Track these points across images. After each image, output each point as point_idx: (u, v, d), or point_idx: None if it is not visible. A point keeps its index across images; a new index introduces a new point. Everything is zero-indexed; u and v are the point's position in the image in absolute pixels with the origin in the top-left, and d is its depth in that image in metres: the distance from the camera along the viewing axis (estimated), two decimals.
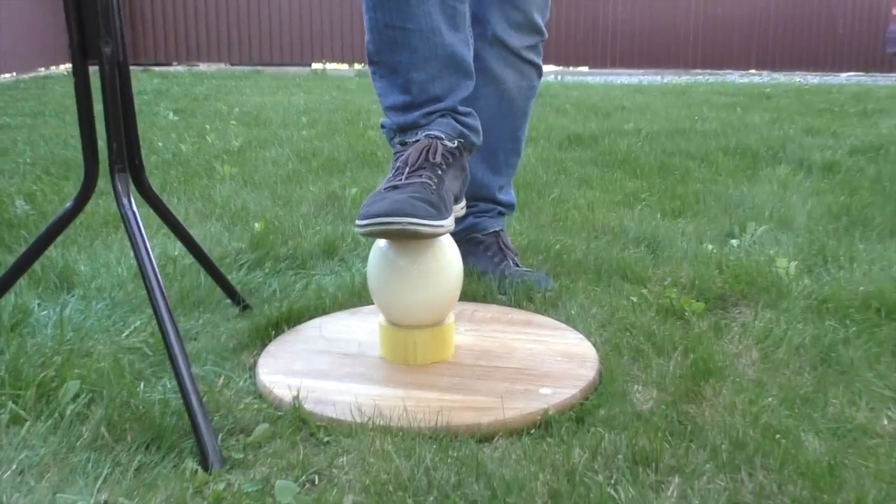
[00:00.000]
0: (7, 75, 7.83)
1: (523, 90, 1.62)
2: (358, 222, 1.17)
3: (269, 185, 2.58)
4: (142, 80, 7.40)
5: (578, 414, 1.15)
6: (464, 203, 1.37)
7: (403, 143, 1.30)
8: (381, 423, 1.09)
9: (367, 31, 1.31)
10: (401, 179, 1.22)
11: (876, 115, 4.65)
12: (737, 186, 2.60)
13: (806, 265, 1.82)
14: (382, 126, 1.36)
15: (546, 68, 6.78)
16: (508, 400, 1.16)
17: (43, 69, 8.31)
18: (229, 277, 1.69)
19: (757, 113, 4.61)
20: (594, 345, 1.38)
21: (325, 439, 1.08)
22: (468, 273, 1.71)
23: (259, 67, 9.24)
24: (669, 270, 1.77)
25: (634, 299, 1.58)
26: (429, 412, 1.12)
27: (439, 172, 1.24)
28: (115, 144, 1.19)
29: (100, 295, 1.60)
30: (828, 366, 1.32)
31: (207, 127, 4.02)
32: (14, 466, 1.02)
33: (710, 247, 1.95)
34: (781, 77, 8.57)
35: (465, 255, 1.72)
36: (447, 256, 1.28)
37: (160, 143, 3.45)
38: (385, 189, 1.21)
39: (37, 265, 1.67)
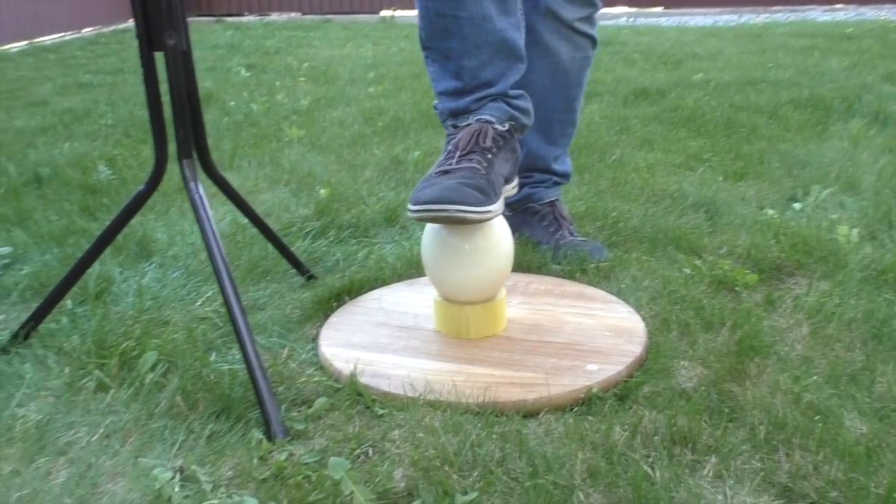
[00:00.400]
0: (89, 29, 8.06)
1: (577, 61, 1.63)
2: (410, 207, 1.22)
3: (334, 149, 2.65)
4: (216, 32, 7.53)
5: (622, 391, 1.19)
6: (515, 183, 1.41)
7: (455, 127, 1.33)
8: (432, 398, 1.16)
9: (420, 19, 1.34)
10: (452, 164, 1.26)
11: None
12: (805, 144, 2.55)
13: (869, 231, 1.80)
14: (435, 107, 1.40)
15: (618, 10, 6.61)
16: (555, 376, 1.21)
17: (122, 24, 8.52)
18: (296, 246, 1.78)
19: (836, 57, 4.44)
20: (643, 319, 1.41)
21: (380, 412, 1.15)
22: (523, 243, 1.75)
23: (329, 16, 9.27)
24: (726, 239, 1.77)
25: (687, 271, 1.60)
26: (477, 388, 1.18)
27: (489, 156, 1.28)
28: (181, 132, 1.27)
29: (175, 264, 1.71)
30: (879, 342, 1.32)
31: (277, 84, 4.10)
32: (101, 430, 1.13)
33: (771, 212, 1.94)
34: (868, 12, 8.16)
35: (521, 225, 1.76)
36: (497, 235, 1.33)
37: (232, 103, 3.54)
38: (436, 173, 1.26)
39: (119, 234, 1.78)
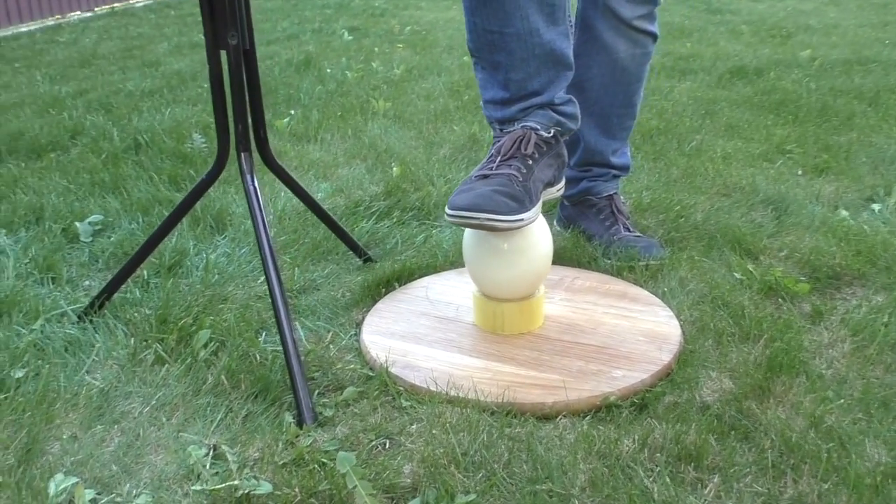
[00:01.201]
0: None
1: (637, 58, 1.62)
2: (447, 210, 1.26)
3: (416, 123, 2.71)
4: None
5: (642, 400, 1.22)
6: (561, 185, 1.43)
7: (502, 130, 1.36)
8: (454, 394, 1.22)
9: (468, 31, 1.37)
10: (491, 168, 1.30)
11: None
12: None
13: None
14: (484, 110, 1.43)
15: None
16: (578, 380, 1.25)
17: None
18: (359, 227, 1.86)
19: None
20: (682, 324, 1.42)
21: (405, 405, 1.22)
22: (577, 236, 1.77)
23: None
24: (789, 241, 1.74)
25: (738, 275, 1.58)
26: (499, 387, 1.22)
27: (529, 163, 1.30)
28: (240, 126, 1.35)
29: (246, 239, 1.81)
30: None
31: (376, 50, 4.17)
32: (153, 402, 1.24)
33: (844, 213, 1.88)
34: None
35: (578, 217, 1.78)
36: (535, 236, 1.36)
37: (329, 70, 3.64)
38: (476, 177, 1.29)
39: (198, 205, 1.90)
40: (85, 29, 5.48)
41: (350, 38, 4.60)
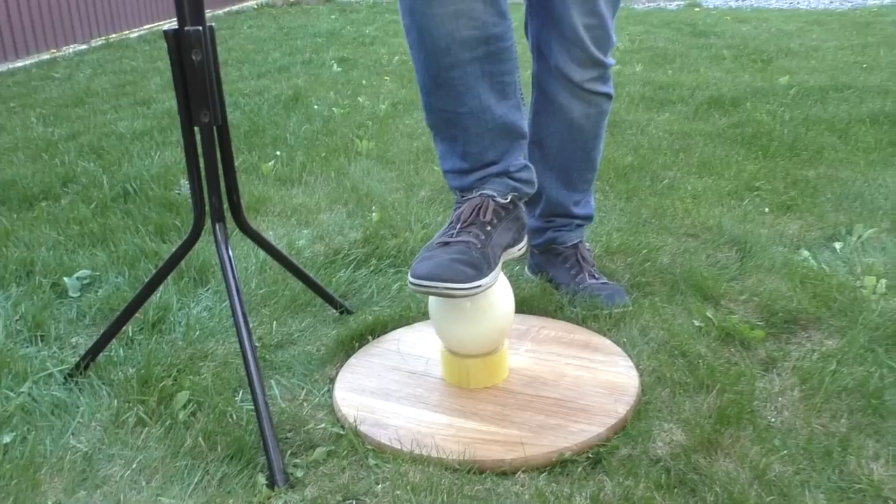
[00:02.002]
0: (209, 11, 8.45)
1: (591, 117, 1.69)
2: (409, 278, 1.33)
3: (398, 165, 2.78)
4: (321, 15, 7.77)
5: (597, 454, 1.28)
6: (523, 244, 1.49)
7: (462, 196, 1.44)
8: (419, 452, 1.28)
9: (424, 110, 1.44)
10: (452, 235, 1.37)
11: None
12: (867, 170, 2.50)
13: None
14: (445, 177, 1.50)
15: None
16: (537, 435, 1.31)
17: (235, 5, 8.88)
18: (337, 276, 1.92)
19: None
20: (641, 374, 1.49)
21: (371, 463, 1.28)
22: (545, 285, 1.84)
23: None
24: (750, 284, 1.81)
25: (697, 322, 1.65)
26: (461, 444, 1.29)
27: (488, 229, 1.38)
28: (213, 198, 1.42)
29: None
30: (864, 414, 1.35)
31: (363, 83, 4.26)
32: (134, 466, 1.31)
33: (806, 253, 1.95)
34: None
35: (545, 265, 1.85)
36: (496, 296, 1.43)
37: (316, 106, 3.72)
38: (437, 244, 1.37)
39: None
40: (80, 63, 5.57)
41: (339, 69, 4.69)
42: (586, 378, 1.48)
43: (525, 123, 1.44)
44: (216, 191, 1.43)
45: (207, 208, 1.45)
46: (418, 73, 1.43)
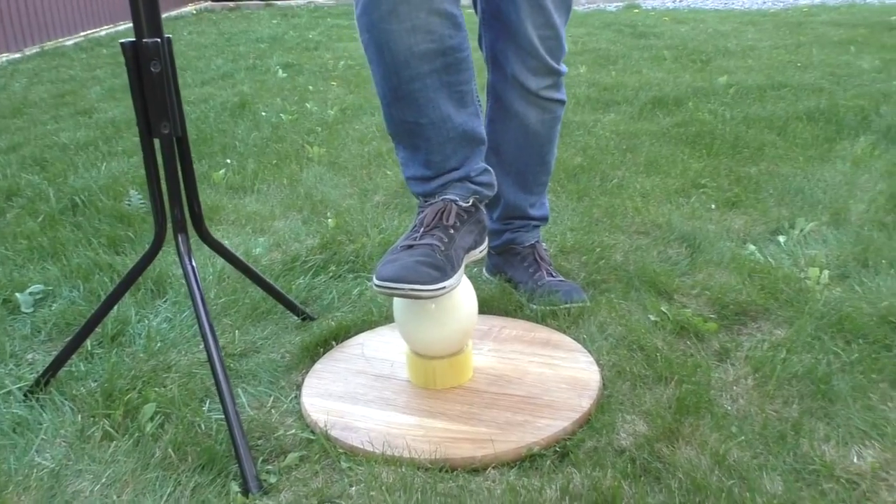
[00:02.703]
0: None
1: (546, 122, 1.74)
2: (374, 280, 1.35)
3: (350, 170, 2.79)
4: (262, 20, 7.72)
5: (564, 448, 1.32)
6: (483, 246, 1.52)
7: (425, 201, 1.46)
8: (390, 453, 1.30)
9: (385, 120, 1.46)
10: (415, 239, 1.39)
11: None
12: (806, 165, 2.60)
13: (841, 272, 1.87)
14: (407, 184, 1.53)
15: None
16: (505, 432, 1.34)
17: (173, 11, 8.75)
18: (296, 283, 1.93)
19: (870, 54, 4.40)
20: (602, 368, 1.53)
21: (344, 466, 1.30)
22: (503, 285, 1.87)
23: None
24: (701, 279, 1.87)
25: (653, 317, 1.70)
26: (431, 443, 1.31)
27: (451, 232, 1.41)
28: (175, 210, 1.42)
29: (186, 303, 1.87)
30: (815, 398, 1.42)
31: (310, 88, 4.25)
32: (103, 480, 1.30)
33: (752, 247, 2.02)
34: None
35: (504, 266, 1.88)
36: (460, 297, 1.45)
37: (264, 113, 3.70)
38: (401, 247, 1.39)
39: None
40: (14, 72, 5.44)
41: (284, 75, 4.67)
42: (549, 375, 1.51)
43: (483, 129, 1.47)
44: (178, 202, 1.43)
45: (169, 220, 1.45)
46: (378, 87, 1.44)
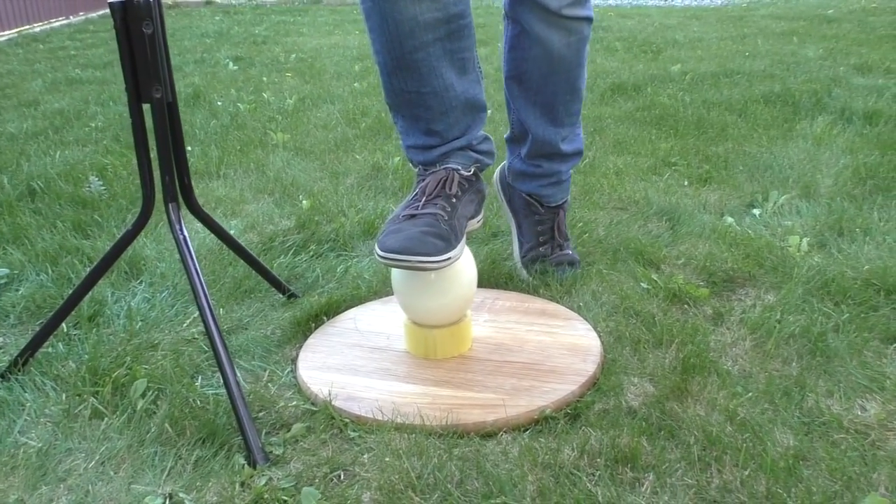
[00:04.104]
0: (78, 15, 8.08)
1: (573, 45, 1.55)
2: (377, 251, 1.31)
3: (318, 154, 2.74)
4: (204, 17, 7.57)
5: (575, 410, 1.30)
6: (481, 216, 1.50)
7: (425, 170, 1.43)
8: (400, 421, 1.27)
9: (384, 90, 1.41)
10: (417, 207, 1.36)
11: None
12: (770, 144, 2.64)
13: (819, 240, 1.91)
14: (406, 153, 1.49)
15: None
16: (513, 397, 1.32)
17: (107, 9, 8.51)
18: (277, 262, 1.88)
19: (813, 44, 4.53)
20: (600, 335, 1.52)
21: (352, 435, 1.26)
22: (492, 259, 1.85)
23: None
24: (685, 249, 1.88)
25: (644, 285, 1.70)
26: (441, 410, 1.29)
27: (453, 201, 1.38)
28: (167, 177, 1.36)
29: (164, 283, 1.81)
30: (814, 356, 1.43)
31: (265, 79, 4.17)
32: (97, 457, 1.24)
33: (730, 220, 2.04)
34: None
35: (518, 209, 1.76)
36: (461, 264, 1.43)
37: (219, 102, 3.62)
38: (403, 217, 1.35)
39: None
40: None
41: (235, 67, 4.58)
42: (548, 342, 1.50)
43: (484, 95, 1.45)
44: (169, 170, 1.37)
45: (156, 190, 1.39)
46: (379, 56, 1.41)
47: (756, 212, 2.10)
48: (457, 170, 1.41)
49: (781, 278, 1.72)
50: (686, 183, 2.33)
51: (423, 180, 1.42)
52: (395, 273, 1.45)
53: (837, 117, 2.92)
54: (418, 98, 1.39)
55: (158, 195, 1.40)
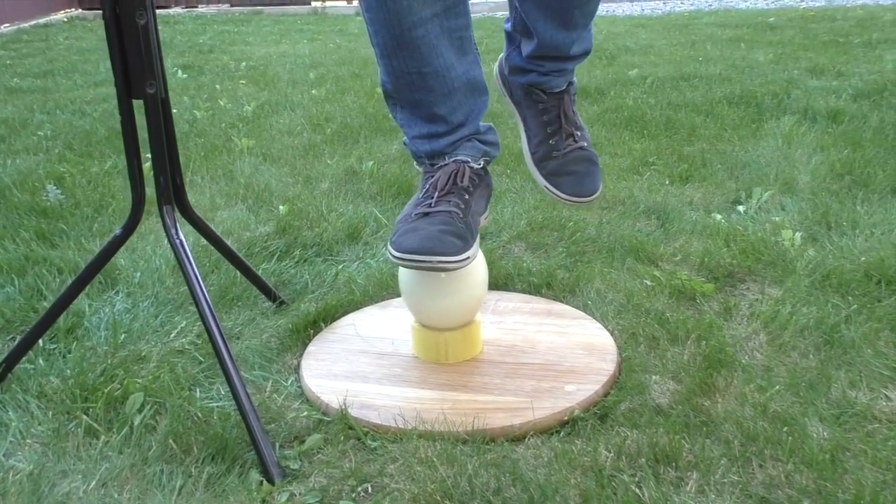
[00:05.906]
0: (7, 25, 7.78)
1: None
2: (393, 252, 1.24)
3: (287, 160, 2.65)
4: None
5: (602, 410, 1.25)
6: (487, 212, 1.44)
7: (433, 164, 1.36)
8: (423, 428, 1.20)
9: (384, 74, 1.33)
10: (430, 205, 1.29)
11: (881, 46, 4.64)
12: (742, 143, 2.65)
13: (810, 234, 1.90)
14: (405, 144, 1.42)
15: None
16: (537, 399, 1.27)
17: (42, 18, 8.23)
18: (262, 268, 1.79)
19: (761, 49, 4.60)
20: (612, 333, 1.48)
21: (373, 445, 1.18)
22: (489, 256, 1.80)
23: (259, 8, 9.13)
24: (679, 246, 1.85)
25: (648, 282, 1.67)
26: (465, 415, 1.22)
27: (466, 197, 1.31)
28: (161, 178, 1.27)
29: (143, 292, 1.70)
30: (831, 347, 1.41)
31: (218, 87, 4.05)
32: (97, 478, 1.14)
33: (718, 217, 2.03)
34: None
35: (521, 102, 1.55)
36: (474, 261, 1.37)
37: (174, 110, 3.49)
38: (416, 215, 1.28)
39: (82, 262, 1.78)
40: None
41: (185, 76, 4.44)
42: (561, 342, 1.45)
43: (484, 77, 1.39)
44: (164, 171, 1.28)
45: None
46: (377, 36, 1.34)
47: (741, 208, 2.09)
48: (466, 162, 1.35)
49: (782, 272, 1.70)
50: (667, 182, 2.32)
51: (433, 176, 1.35)
52: (404, 274, 1.38)
53: (801, 116, 2.95)
54: (420, 79, 1.31)
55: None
